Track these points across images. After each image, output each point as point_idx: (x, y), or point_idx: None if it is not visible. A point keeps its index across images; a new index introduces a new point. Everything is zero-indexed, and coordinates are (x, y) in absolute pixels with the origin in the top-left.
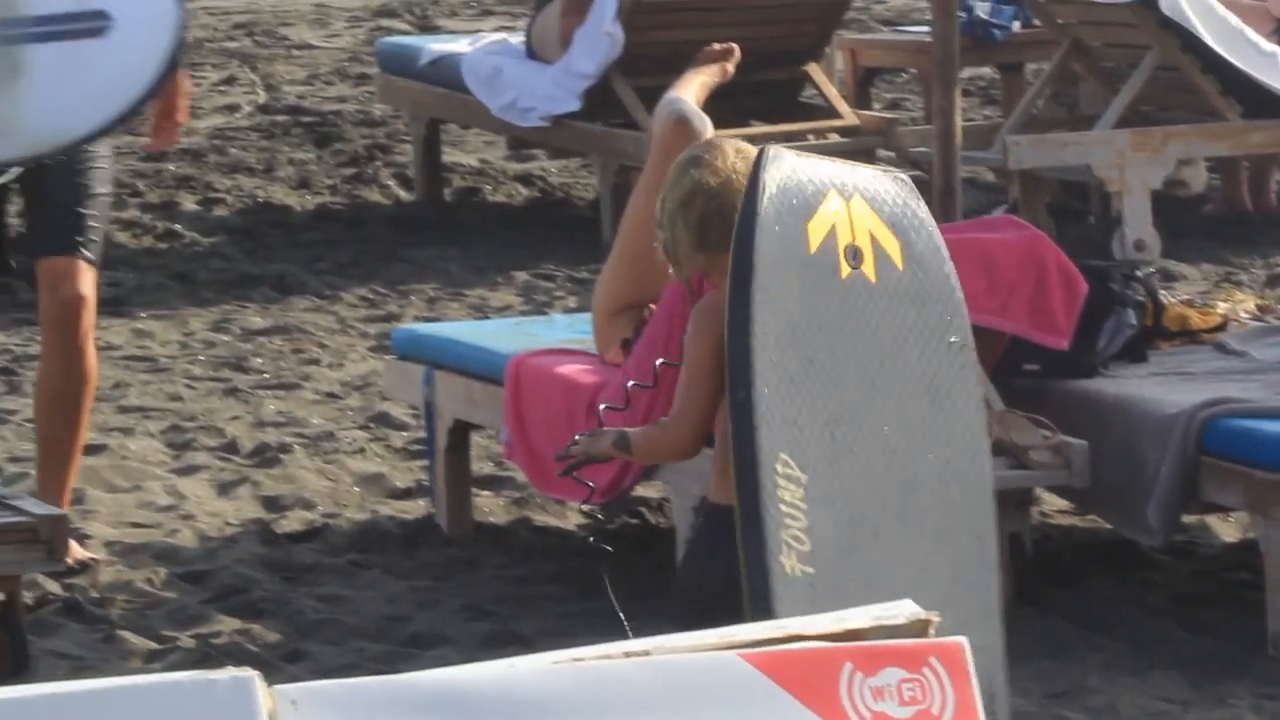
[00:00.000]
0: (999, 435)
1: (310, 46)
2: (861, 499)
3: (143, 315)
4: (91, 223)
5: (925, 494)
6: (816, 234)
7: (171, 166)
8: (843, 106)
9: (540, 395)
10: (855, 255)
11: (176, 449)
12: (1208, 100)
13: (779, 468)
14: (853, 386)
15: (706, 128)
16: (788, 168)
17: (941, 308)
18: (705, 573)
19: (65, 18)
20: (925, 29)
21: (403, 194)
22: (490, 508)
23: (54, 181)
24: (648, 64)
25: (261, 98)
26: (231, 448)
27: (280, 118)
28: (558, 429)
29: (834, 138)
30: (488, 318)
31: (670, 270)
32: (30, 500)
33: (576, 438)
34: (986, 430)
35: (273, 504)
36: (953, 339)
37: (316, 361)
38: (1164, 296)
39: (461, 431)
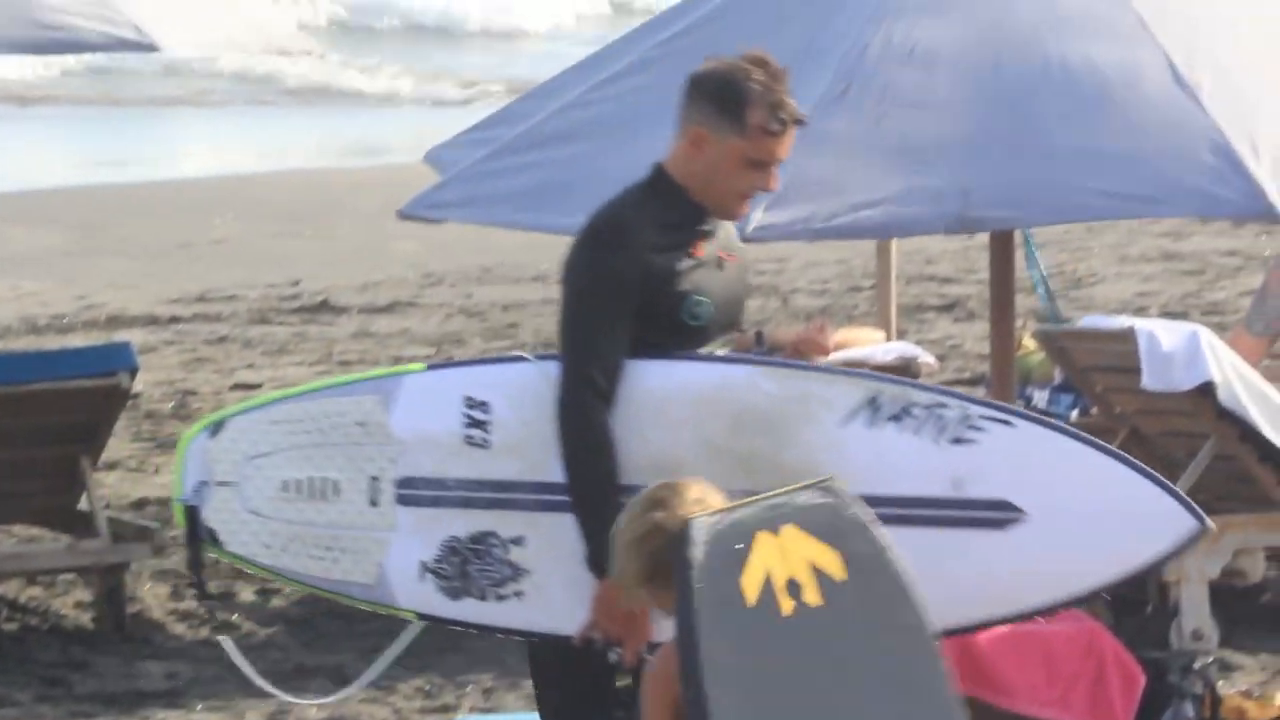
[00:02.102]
0: None
1: None
2: None
3: (199, 707)
4: None
5: None
6: (752, 585)
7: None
8: None
9: None
10: (794, 588)
11: None
12: (1265, 490)
13: None
14: (820, 708)
15: None
16: (710, 532)
17: (890, 598)
18: None
19: (918, 502)
20: None
21: None
22: None
23: None
24: None
25: None
26: None
27: None
28: None
29: None
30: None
31: None
32: None
33: None
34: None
35: None
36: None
37: None
38: (1221, 688)
39: None
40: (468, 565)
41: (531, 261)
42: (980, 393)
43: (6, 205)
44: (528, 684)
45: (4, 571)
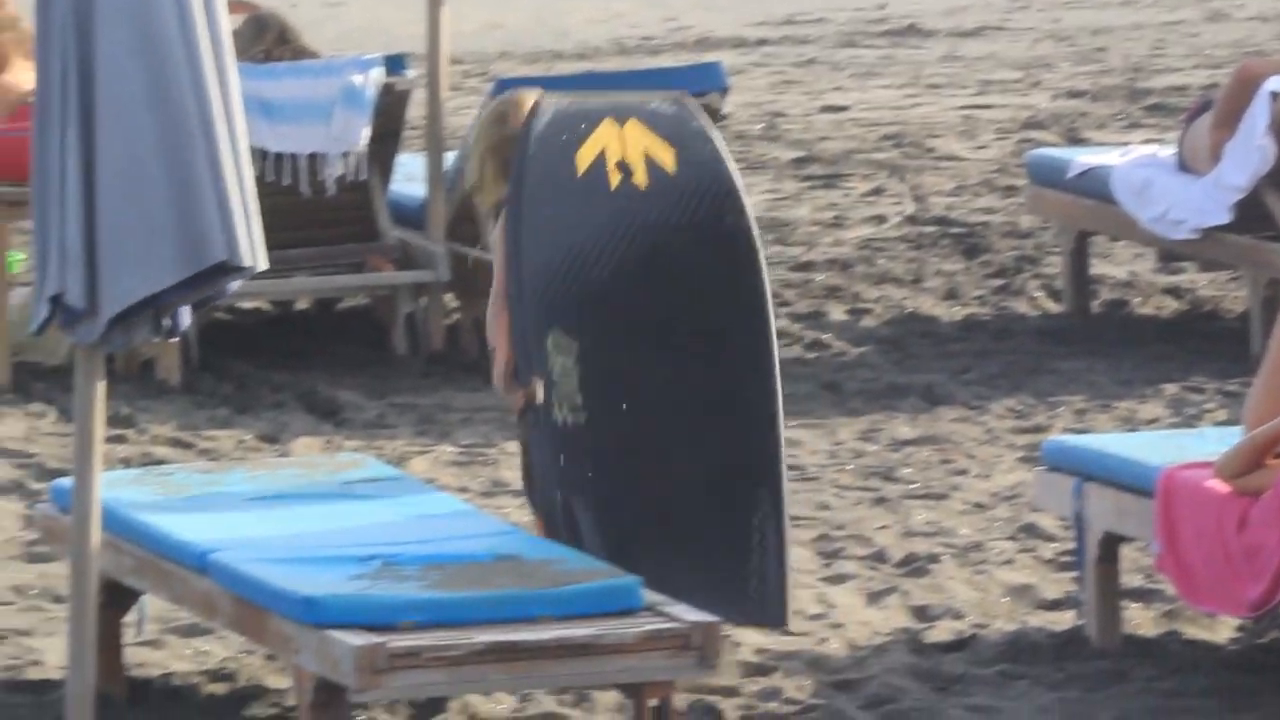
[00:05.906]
0: None
1: (958, 158)
2: (632, 358)
3: (791, 424)
4: None
5: (699, 365)
6: (585, 158)
7: (819, 276)
8: None
9: (1191, 508)
10: (625, 168)
11: (826, 557)
12: None
13: (549, 343)
14: (625, 272)
15: None
16: (558, 110)
17: (713, 199)
18: None
19: None
20: None
21: (1051, 306)
22: (1140, 620)
23: None
24: None
25: (909, 208)
26: (880, 557)
27: (928, 229)
28: (1209, 542)
29: None
30: (1137, 430)
31: None
32: (682, 607)
33: None
34: (766, 300)
35: (922, 614)
36: None
37: (965, 472)
38: None
39: (1111, 543)
40: None
41: None
42: None
43: None
44: (1119, 406)
45: None
